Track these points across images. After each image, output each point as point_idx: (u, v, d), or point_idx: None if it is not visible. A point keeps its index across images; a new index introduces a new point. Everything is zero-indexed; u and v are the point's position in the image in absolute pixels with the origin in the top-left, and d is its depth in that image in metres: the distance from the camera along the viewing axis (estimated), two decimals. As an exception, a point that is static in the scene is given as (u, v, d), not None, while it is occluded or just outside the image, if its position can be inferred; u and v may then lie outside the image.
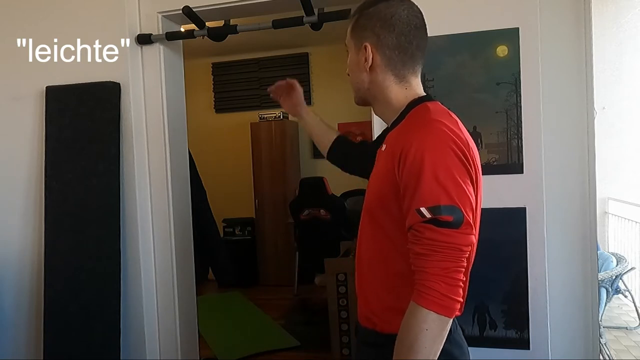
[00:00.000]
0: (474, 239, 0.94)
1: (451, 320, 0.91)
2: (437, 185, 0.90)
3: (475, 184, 0.97)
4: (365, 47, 1.06)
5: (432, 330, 0.89)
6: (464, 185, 0.92)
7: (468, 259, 0.93)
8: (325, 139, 1.50)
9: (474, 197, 0.95)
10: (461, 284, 0.90)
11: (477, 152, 1.01)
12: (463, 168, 0.93)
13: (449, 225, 0.89)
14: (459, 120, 1.01)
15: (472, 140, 1.00)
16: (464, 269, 0.91)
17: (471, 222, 0.92)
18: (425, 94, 1.09)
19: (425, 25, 1.08)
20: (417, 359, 0.89)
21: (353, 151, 1.47)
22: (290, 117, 5.07)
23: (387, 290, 1.06)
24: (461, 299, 0.91)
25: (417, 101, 1.06)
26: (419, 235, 0.91)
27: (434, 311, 0.88)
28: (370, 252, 1.10)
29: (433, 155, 0.92)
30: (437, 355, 0.91)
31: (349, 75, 1.15)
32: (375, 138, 1.58)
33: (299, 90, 1.54)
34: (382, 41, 1.04)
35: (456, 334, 1.07)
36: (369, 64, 1.06)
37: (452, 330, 1.05)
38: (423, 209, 0.90)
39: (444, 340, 0.92)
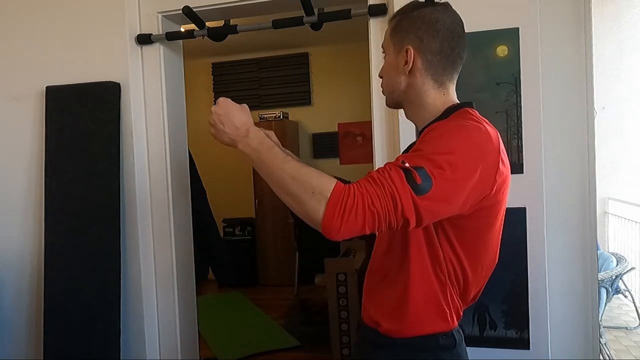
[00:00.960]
0: (414, 221, 0.87)
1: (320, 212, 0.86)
2: (434, 158, 0.88)
3: (499, 194, 0.97)
4: (407, 50, 1.04)
5: (312, 197, 0.86)
6: (460, 180, 0.88)
7: (387, 221, 0.86)
8: None
9: (461, 201, 0.90)
10: (360, 227, 0.85)
11: (508, 164, 1.00)
12: (473, 172, 0.90)
13: (413, 184, 0.85)
14: (498, 133, 0.99)
15: (505, 154, 0.99)
16: (376, 226, 0.86)
17: (432, 211, 0.87)
18: (464, 101, 1.08)
19: (464, 33, 1.07)
20: (290, 177, 0.90)
21: None
22: (291, 117, 5.08)
23: (394, 292, 1.06)
24: (341, 235, 0.85)
25: (458, 106, 1.05)
26: (385, 170, 0.88)
27: (328, 201, 0.85)
28: (383, 254, 1.11)
29: (455, 139, 0.91)
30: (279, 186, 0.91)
31: (381, 77, 1.15)
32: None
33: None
34: (425, 45, 1.03)
35: (460, 347, 1.06)
36: (409, 67, 1.05)
37: (457, 344, 1.05)
38: (406, 163, 0.88)
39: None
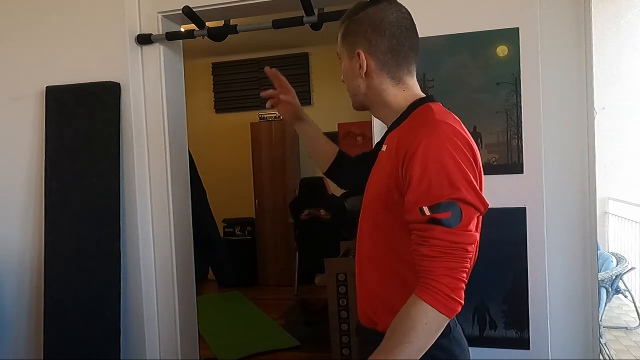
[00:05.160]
0: (477, 236, 0.94)
1: (449, 320, 0.91)
2: (441, 180, 0.89)
3: (478, 183, 0.97)
4: (359, 54, 1.06)
5: (430, 325, 0.89)
6: (473, 179, 0.92)
7: (470, 259, 0.93)
8: (328, 151, 1.43)
9: (478, 189, 0.95)
10: (463, 285, 0.90)
11: (479, 153, 1.01)
12: (470, 163, 0.93)
13: (448, 222, 0.89)
14: (460, 122, 1.01)
15: (474, 142, 1.00)
16: (467, 270, 0.91)
17: (473, 219, 0.91)
18: (425, 95, 1.09)
19: (414, 25, 1.08)
20: (409, 346, 0.89)
21: (351, 166, 1.41)
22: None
23: (386, 290, 1.06)
24: (462, 301, 0.91)
25: (419, 102, 1.06)
26: (425, 235, 0.90)
27: (437, 309, 0.88)
28: (369, 252, 1.10)
29: (439, 153, 0.91)
30: (424, 351, 0.91)
31: (343, 81, 1.16)
32: (375, 144, 1.53)
33: (291, 88, 1.47)
34: (375, 46, 1.05)
35: (456, 331, 1.07)
36: (364, 70, 1.06)
37: (452, 328, 1.05)
38: (425, 208, 0.90)
39: (437, 338, 0.93)
